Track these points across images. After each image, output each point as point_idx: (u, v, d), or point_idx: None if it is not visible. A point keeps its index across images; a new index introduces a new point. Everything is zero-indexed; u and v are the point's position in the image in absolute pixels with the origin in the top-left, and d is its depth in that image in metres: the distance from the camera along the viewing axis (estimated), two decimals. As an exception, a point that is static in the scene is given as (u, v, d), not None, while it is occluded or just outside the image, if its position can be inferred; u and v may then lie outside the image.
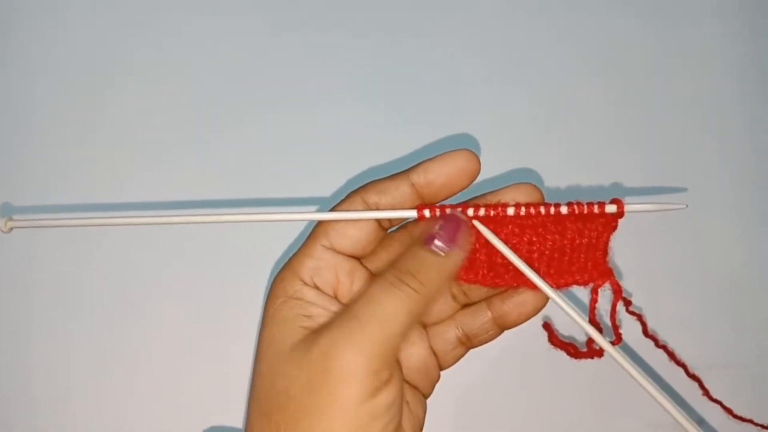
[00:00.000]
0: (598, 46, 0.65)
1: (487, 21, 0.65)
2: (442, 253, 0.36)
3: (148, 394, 0.57)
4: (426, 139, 0.61)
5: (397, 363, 0.39)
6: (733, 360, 0.59)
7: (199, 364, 0.57)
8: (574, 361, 0.51)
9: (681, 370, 0.51)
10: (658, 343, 0.52)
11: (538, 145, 0.62)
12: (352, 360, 0.33)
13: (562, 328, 0.54)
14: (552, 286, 0.39)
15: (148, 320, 0.58)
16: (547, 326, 0.52)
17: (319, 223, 0.39)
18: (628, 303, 0.46)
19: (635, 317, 0.48)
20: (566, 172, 0.60)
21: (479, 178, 0.38)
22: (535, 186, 0.39)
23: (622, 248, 0.58)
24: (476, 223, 0.38)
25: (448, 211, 0.37)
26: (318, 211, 0.40)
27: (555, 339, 0.48)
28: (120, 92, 0.62)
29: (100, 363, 0.58)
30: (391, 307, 0.34)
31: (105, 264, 0.59)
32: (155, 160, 0.61)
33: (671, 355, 0.52)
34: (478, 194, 0.40)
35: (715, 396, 0.52)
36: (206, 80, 0.63)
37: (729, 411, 0.55)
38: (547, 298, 0.40)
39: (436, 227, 0.36)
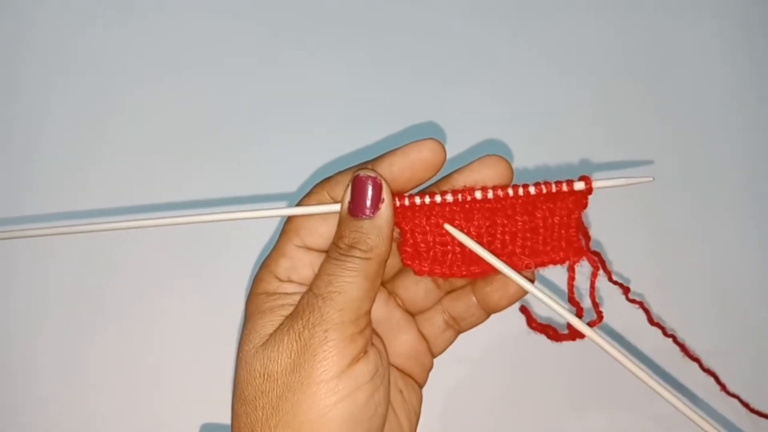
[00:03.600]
0: (570, 29, 0.66)
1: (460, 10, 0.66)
2: (371, 215, 0.36)
3: (144, 393, 0.57)
4: (394, 124, 0.61)
5: (376, 334, 0.39)
6: (738, 358, 0.58)
7: (194, 363, 0.58)
8: (559, 356, 0.50)
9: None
10: (665, 332, 0.51)
11: (506, 126, 0.62)
12: (324, 333, 0.34)
13: (542, 311, 0.53)
14: (525, 265, 0.38)
15: (143, 320, 0.58)
16: (524, 310, 0.51)
17: (290, 222, 0.39)
18: (627, 290, 0.45)
19: (637, 305, 0.47)
20: (536, 152, 0.61)
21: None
22: (502, 158, 0.38)
23: (620, 240, 0.58)
24: (448, 227, 0.38)
25: (361, 173, 0.37)
26: (287, 206, 0.39)
27: (533, 322, 0.47)
28: (90, 89, 0.63)
29: (93, 362, 0.58)
30: (347, 278, 0.35)
31: (97, 262, 0.59)
32: (129, 156, 0.62)
33: (683, 348, 0.51)
34: (446, 173, 0.40)
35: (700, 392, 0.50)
36: (176, 72, 0.64)
37: (746, 405, 0.53)
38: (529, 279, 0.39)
39: (348, 196, 0.37)
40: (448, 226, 0.38)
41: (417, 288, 0.43)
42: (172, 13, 0.65)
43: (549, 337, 0.45)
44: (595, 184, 0.37)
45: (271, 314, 0.37)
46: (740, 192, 0.62)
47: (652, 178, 0.37)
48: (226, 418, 0.37)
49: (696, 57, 0.65)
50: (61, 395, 0.57)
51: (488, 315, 0.43)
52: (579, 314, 0.43)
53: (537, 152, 0.61)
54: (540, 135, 0.62)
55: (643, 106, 0.64)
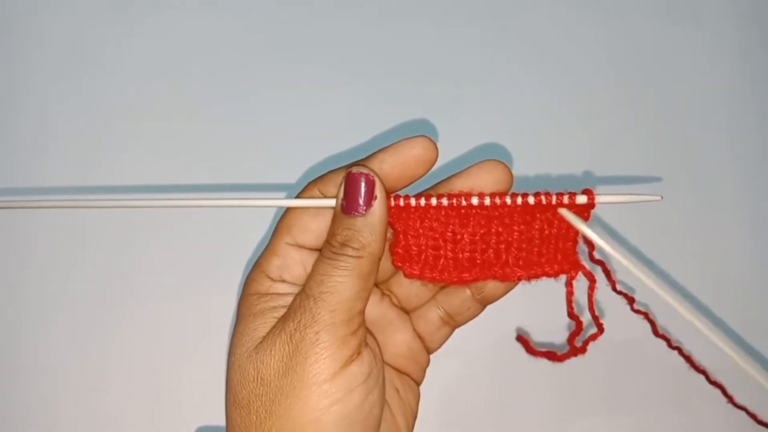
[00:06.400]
0: (578, 31, 0.64)
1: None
2: (364, 213, 0.35)
3: (138, 395, 0.57)
4: (388, 125, 0.60)
5: (370, 334, 0.39)
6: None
7: (189, 364, 0.58)
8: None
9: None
10: (671, 344, 0.50)
11: (508, 132, 0.60)
12: (315, 335, 0.34)
13: (540, 334, 0.52)
14: (516, 277, 0.37)
15: (138, 319, 0.58)
16: (521, 339, 0.50)
17: (281, 220, 0.39)
18: (631, 300, 0.43)
19: (641, 316, 0.45)
20: (538, 160, 0.59)
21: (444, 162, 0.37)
22: (501, 163, 0.37)
23: (624, 248, 0.56)
24: (564, 212, 0.36)
25: (354, 170, 0.36)
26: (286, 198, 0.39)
27: (531, 350, 0.47)
28: (101, 80, 0.63)
29: (90, 363, 0.58)
30: (339, 277, 0.35)
31: (92, 262, 0.60)
32: (132, 146, 0.61)
33: (689, 360, 0.49)
34: (444, 177, 0.38)
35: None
36: (177, 70, 0.63)
37: (754, 417, 0.52)
38: None
39: (341, 194, 0.36)
40: (563, 211, 0.36)
41: (412, 283, 0.42)
42: (180, 8, 0.64)
43: (551, 360, 0.45)
44: (598, 199, 0.35)
45: (262, 316, 0.36)
46: (747, 201, 0.60)
47: (660, 198, 0.35)
48: (221, 420, 0.37)
49: (707, 73, 0.63)
50: (57, 397, 0.57)
51: (484, 307, 0.42)
52: (579, 328, 0.42)
53: (538, 160, 0.59)
54: (543, 143, 0.60)
55: (650, 118, 0.62)
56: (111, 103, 0.62)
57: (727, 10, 0.64)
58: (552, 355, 0.43)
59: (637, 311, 0.43)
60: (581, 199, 0.36)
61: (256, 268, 0.38)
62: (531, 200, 0.36)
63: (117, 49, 0.63)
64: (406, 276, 0.38)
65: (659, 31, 0.64)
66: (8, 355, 0.58)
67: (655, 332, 0.46)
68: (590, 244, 0.40)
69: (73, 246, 0.59)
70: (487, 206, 0.36)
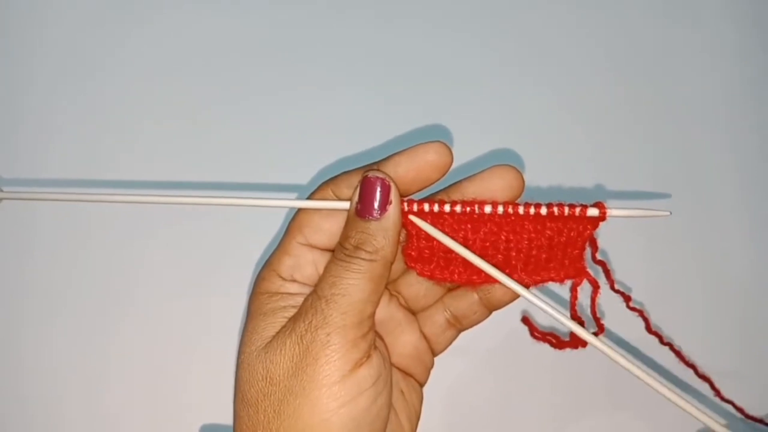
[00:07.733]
0: (594, 44, 0.64)
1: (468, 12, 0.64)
2: (379, 217, 0.36)
3: (143, 393, 0.57)
4: (403, 128, 0.60)
5: (379, 337, 0.39)
6: (738, 365, 0.58)
7: (193, 362, 0.58)
8: (559, 355, 0.51)
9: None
10: (662, 340, 0.51)
11: (524, 143, 0.61)
12: (326, 336, 0.34)
13: (544, 319, 0.53)
14: (522, 282, 0.38)
15: (143, 318, 0.58)
16: (526, 320, 0.51)
17: (293, 220, 0.39)
18: (628, 299, 0.45)
19: (636, 313, 0.47)
20: (549, 170, 0.59)
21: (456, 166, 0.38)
22: (513, 168, 0.37)
23: (624, 250, 0.57)
24: (415, 220, 0.37)
25: (370, 174, 0.36)
26: (297, 199, 0.39)
27: (536, 332, 0.47)
28: (112, 74, 0.62)
29: (93, 361, 0.58)
30: (351, 280, 0.35)
31: (97, 261, 0.59)
32: (144, 142, 0.61)
33: (679, 355, 0.51)
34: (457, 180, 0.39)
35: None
36: (191, 68, 0.63)
37: (740, 410, 0.54)
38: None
39: (356, 197, 0.36)
40: (413, 218, 0.37)
41: (420, 284, 0.42)
42: (189, 9, 0.64)
43: (552, 345, 0.46)
44: (609, 213, 0.36)
45: (273, 316, 0.36)
46: (746, 202, 0.61)
47: (669, 213, 0.36)
48: (225, 419, 0.37)
49: (706, 74, 0.64)
50: (57, 397, 0.57)
51: (490, 312, 0.42)
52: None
53: (540, 160, 0.59)
54: (545, 143, 0.61)
55: (650, 119, 0.63)
56: (123, 102, 0.62)
57: (727, 11, 0.65)
58: (555, 337, 0.45)
59: (633, 309, 0.45)
60: (593, 212, 0.36)
61: (268, 266, 0.38)
62: (543, 211, 0.37)
63: (120, 50, 0.63)
64: (419, 274, 0.39)
65: (659, 31, 0.64)
66: (8, 354, 0.58)
67: (648, 329, 0.47)
68: (594, 247, 0.41)
69: (77, 245, 0.59)
70: (499, 214, 0.37)
